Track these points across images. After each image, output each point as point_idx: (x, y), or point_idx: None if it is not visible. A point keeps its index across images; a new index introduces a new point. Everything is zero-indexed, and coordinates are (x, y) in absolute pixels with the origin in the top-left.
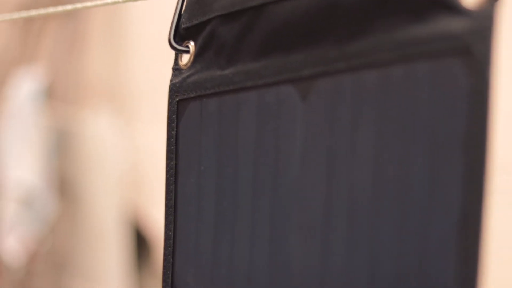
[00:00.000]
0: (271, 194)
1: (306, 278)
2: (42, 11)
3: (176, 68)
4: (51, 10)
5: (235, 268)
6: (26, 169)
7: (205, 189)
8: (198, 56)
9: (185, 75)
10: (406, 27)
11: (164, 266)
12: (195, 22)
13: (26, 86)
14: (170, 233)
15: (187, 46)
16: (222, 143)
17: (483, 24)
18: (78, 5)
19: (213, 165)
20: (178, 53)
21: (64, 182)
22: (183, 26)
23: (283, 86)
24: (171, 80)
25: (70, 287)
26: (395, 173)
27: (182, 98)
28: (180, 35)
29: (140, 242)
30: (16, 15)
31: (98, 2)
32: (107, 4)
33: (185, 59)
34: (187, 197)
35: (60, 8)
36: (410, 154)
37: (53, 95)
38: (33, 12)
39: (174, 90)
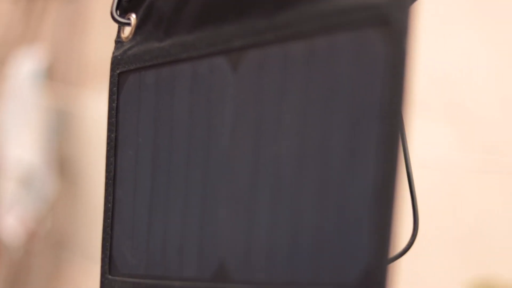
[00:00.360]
0: (202, 166)
1: (233, 247)
2: None
3: (118, 41)
4: None
5: (168, 239)
6: (26, 149)
7: (142, 162)
8: (138, 28)
9: (126, 47)
10: None
11: (103, 238)
12: None
13: (26, 66)
14: (109, 205)
15: (129, 19)
16: (158, 115)
17: None
18: None
19: (150, 137)
20: (120, 26)
21: (64, 162)
22: None
23: (215, 57)
24: (113, 53)
25: (69, 266)
26: (316, 143)
27: (123, 71)
28: (123, 7)
29: None
30: None
31: None
32: None
33: (127, 31)
34: (125, 169)
35: None
36: (331, 123)
37: (53, 75)
38: None
39: (115, 63)
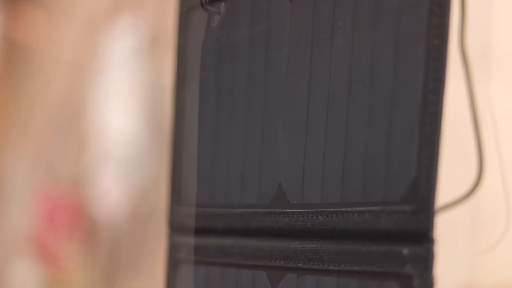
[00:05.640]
0: (262, 94)
1: (290, 172)
2: None
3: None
4: None
5: (230, 169)
6: (129, 123)
7: (207, 95)
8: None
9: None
10: None
11: (172, 171)
12: None
13: (127, 38)
14: (177, 139)
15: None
16: (221, 48)
17: None
18: None
19: (213, 70)
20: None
21: (166, 136)
22: None
23: None
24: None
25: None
26: (365, 64)
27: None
28: None
29: None
30: None
31: None
32: None
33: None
34: (191, 104)
35: None
36: (379, 41)
37: (157, 46)
38: None
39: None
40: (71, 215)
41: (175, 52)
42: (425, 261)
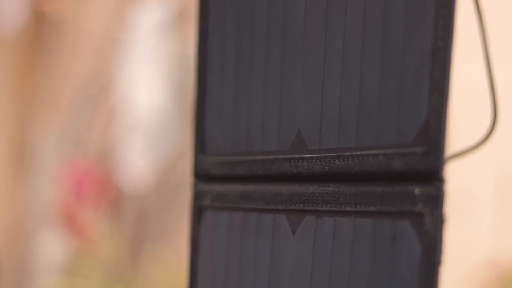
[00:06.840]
0: (281, 45)
1: (309, 117)
2: None
3: None
4: None
5: (251, 117)
6: (155, 95)
7: (228, 47)
8: None
9: None
10: None
11: (195, 122)
12: None
13: (154, 12)
14: (200, 90)
15: None
16: (240, 2)
17: None
18: None
19: (234, 22)
20: None
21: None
22: None
23: None
24: None
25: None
26: (379, 11)
27: None
28: None
29: None
30: None
31: None
32: None
33: None
34: (213, 56)
35: None
36: None
37: (183, 21)
38: None
39: None
40: (98, 187)
41: (197, 7)
42: (436, 200)
